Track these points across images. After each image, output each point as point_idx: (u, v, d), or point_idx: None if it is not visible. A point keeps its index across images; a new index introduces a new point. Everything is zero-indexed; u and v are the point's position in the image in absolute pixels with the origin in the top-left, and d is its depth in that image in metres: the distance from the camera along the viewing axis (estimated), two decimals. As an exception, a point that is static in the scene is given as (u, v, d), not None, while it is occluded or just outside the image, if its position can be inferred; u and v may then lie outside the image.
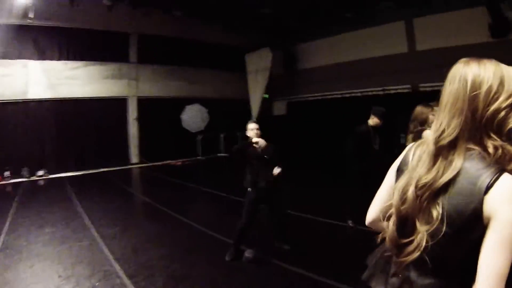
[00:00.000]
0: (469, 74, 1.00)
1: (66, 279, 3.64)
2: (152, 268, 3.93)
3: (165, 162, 13.07)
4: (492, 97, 0.97)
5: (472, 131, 0.99)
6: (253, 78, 14.20)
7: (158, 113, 13.36)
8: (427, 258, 0.99)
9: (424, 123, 3.52)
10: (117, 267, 3.93)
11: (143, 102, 13.09)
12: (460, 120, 0.99)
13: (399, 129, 5.65)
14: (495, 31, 8.89)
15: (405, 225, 1.06)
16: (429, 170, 1.02)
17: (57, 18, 10.54)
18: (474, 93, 0.98)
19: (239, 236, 4.23)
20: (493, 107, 0.96)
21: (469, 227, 0.93)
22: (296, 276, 3.71)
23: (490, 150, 0.95)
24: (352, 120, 10.48)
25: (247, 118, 13.62)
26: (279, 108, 15.60)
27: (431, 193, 1.00)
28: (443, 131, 1.02)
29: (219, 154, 15.14)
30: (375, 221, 1.25)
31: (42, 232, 5.20)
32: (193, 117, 14.66)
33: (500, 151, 0.94)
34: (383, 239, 1.14)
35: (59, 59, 11.05)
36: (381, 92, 11.31)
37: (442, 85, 1.05)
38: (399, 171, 1.16)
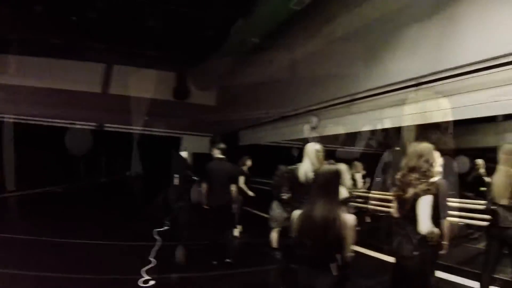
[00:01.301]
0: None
1: None
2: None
3: (45, 189, 12.05)
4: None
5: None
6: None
7: (36, 136, 12.26)
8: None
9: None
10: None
11: (19, 124, 11.92)
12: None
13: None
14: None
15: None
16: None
17: None
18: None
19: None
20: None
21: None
22: None
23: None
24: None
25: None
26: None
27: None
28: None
29: (101, 179, 14.64)
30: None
31: None
32: (76, 141, 13.84)
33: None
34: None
35: None
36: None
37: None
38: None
